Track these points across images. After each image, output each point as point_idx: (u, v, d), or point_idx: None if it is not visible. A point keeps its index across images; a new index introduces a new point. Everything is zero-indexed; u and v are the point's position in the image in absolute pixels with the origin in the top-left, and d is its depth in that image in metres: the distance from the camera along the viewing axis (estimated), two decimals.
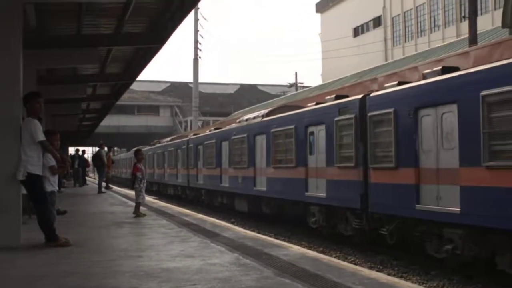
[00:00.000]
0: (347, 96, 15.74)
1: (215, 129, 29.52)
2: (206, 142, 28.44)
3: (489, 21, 47.02)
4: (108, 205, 20.48)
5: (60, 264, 8.26)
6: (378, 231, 13.68)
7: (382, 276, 7.71)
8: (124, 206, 19.85)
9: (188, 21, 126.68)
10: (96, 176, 37.84)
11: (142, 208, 16.41)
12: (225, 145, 25.25)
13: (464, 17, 39.86)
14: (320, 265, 8.19)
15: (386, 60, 60.26)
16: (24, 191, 10.17)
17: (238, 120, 26.46)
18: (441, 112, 11.33)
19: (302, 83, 78.69)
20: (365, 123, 13.85)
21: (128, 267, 7.91)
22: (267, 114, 21.45)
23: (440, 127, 11.37)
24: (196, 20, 61.86)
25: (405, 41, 65.83)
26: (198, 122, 67.61)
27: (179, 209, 20.35)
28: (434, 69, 12.51)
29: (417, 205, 11.83)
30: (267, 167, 20.01)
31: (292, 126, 17.91)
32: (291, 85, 78.69)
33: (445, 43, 40.39)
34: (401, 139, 12.52)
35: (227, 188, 24.69)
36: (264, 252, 9.21)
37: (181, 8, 14.64)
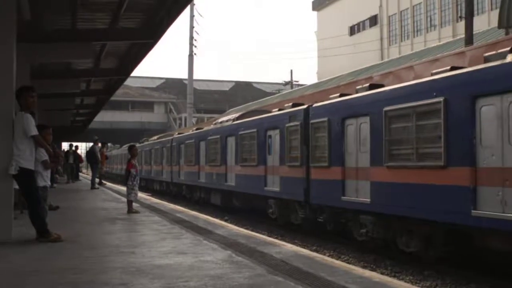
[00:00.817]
0: (302, 104, 18.10)
1: (196, 129, 31.99)
2: (187, 142, 30.83)
3: (485, 21, 47.14)
4: (101, 201, 20.42)
5: (51, 260, 8.21)
6: (317, 219, 16.37)
7: (375, 275, 7.68)
8: (117, 202, 19.80)
9: (183, 18, 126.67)
10: (89, 172, 37.86)
11: (135, 205, 16.35)
12: (202, 144, 27.65)
13: (460, 17, 39.91)
14: (313, 263, 8.16)
15: (382, 59, 60.34)
16: (16, 186, 10.11)
17: (214, 122, 29.52)
18: (360, 122, 14.02)
19: (297, 81, 78.61)
20: (308, 129, 16.48)
21: (120, 263, 7.86)
22: (237, 118, 24.19)
23: (359, 134, 14.06)
24: (192, 16, 61.74)
25: (401, 40, 65.95)
26: (193, 119, 67.45)
27: (172, 206, 20.33)
28: (364, 85, 15.25)
29: (342, 197, 14.52)
30: (236, 165, 22.53)
31: (255, 130, 20.49)
32: (286, 83, 78.62)
33: (441, 43, 40.42)
34: (333, 143, 15.17)
35: (203, 183, 27.17)
36: (257, 250, 9.18)
37: (177, 3, 14.56)
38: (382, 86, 14.52)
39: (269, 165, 19.25)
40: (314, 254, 9.81)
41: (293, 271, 7.39)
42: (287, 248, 9.84)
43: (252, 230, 15.27)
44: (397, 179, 12.44)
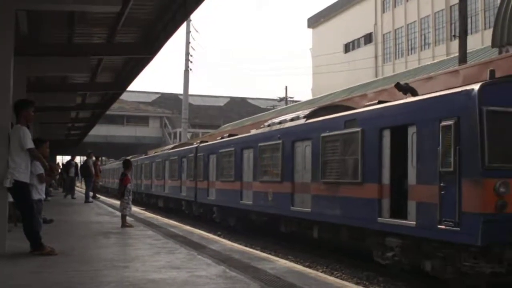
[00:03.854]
0: (207, 141, 28.93)
1: (155, 152, 43.91)
2: (145, 162, 41.78)
3: (479, 40, 47.42)
4: (95, 215, 20.38)
5: (45, 273, 8.19)
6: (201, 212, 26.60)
7: None
8: (111, 216, 19.76)
9: (179, 33, 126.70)
10: (83, 186, 37.77)
11: (128, 219, 16.32)
12: (153, 165, 38.22)
13: (454, 36, 40.10)
14: (307, 279, 8.17)
15: (376, 76, 60.50)
16: (10, 199, 10.10)
17: (161, 150, 43.02)
18: (215, 157, 23.96)
19: (292, 98, 78.71)
20: (197, 159, 26.75)
21: (114, 277, 7.86)
22: (172, 148, 36.04)
23: (214, 163, 24.24)
24: (188, 32, 61.89)
25: (396, 58, 66.23)
26: (188, 134, 67.39)
27: (166, 220, 20.32)
28: (225, 135, 25.69)
29: (208, 197, 24.55)
30: (168, 179, 33.24)
31: (177, 157, 31.37)
32: (281, 99, 78.74)
33: (435, 61, 40.59)
34: (204, 166, 25.33)
35: (154, 192, 37.82)
36: (251, 265, 9.18)
37: (174, 19, 14.65)
38: (235, 135, 23.71)
39: (182, 179, 29.54)
40: (308, 270, 9.83)
41: (287, 287, 7.40)
42: (281, 264, 9.85)
43: (245, 245, 15.26)
44: (223, 187, 22.54)
